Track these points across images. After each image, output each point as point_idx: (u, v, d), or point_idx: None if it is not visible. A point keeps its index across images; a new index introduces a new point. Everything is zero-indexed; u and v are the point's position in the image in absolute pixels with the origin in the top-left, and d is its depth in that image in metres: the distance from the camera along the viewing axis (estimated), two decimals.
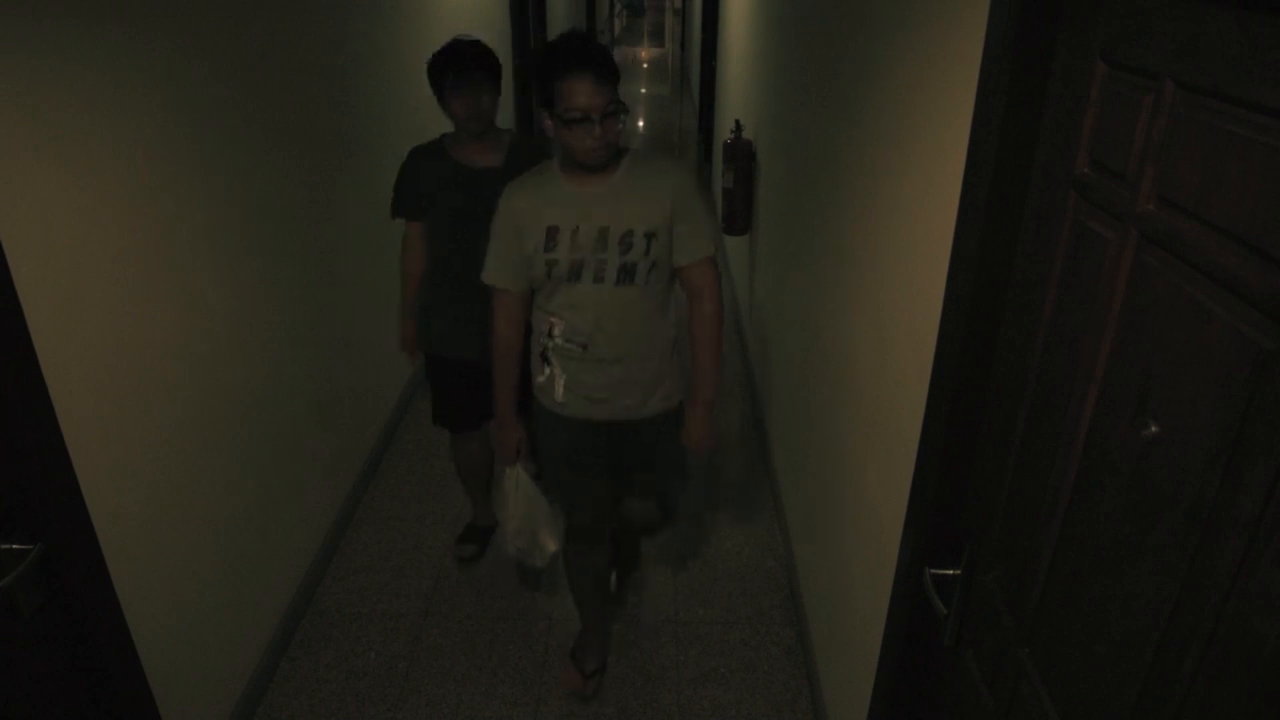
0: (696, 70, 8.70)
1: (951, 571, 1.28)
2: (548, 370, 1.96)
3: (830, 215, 2.25)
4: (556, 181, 1.83)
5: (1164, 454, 0.81)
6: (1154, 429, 0.83)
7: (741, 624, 2.57)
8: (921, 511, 1.38)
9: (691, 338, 1.97)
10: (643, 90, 12.10)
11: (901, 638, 1.48)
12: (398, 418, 3.58)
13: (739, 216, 4.16)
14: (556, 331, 1.90)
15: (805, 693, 2.35)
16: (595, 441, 2.05)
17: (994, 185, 1.10)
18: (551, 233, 1.81)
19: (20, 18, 1.41)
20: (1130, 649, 0.86)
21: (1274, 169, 0.68)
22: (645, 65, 14.65)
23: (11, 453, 1.36)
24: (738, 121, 4.32)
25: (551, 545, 2.15)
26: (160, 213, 1.84)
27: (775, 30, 3.53)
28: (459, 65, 2.18)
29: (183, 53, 1.91)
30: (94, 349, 1.61)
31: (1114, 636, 0.90)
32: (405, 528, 2.99)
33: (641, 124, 9.83)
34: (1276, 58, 0.67)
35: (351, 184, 3.02)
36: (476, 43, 2.25)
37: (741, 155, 4.10)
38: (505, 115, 6.46)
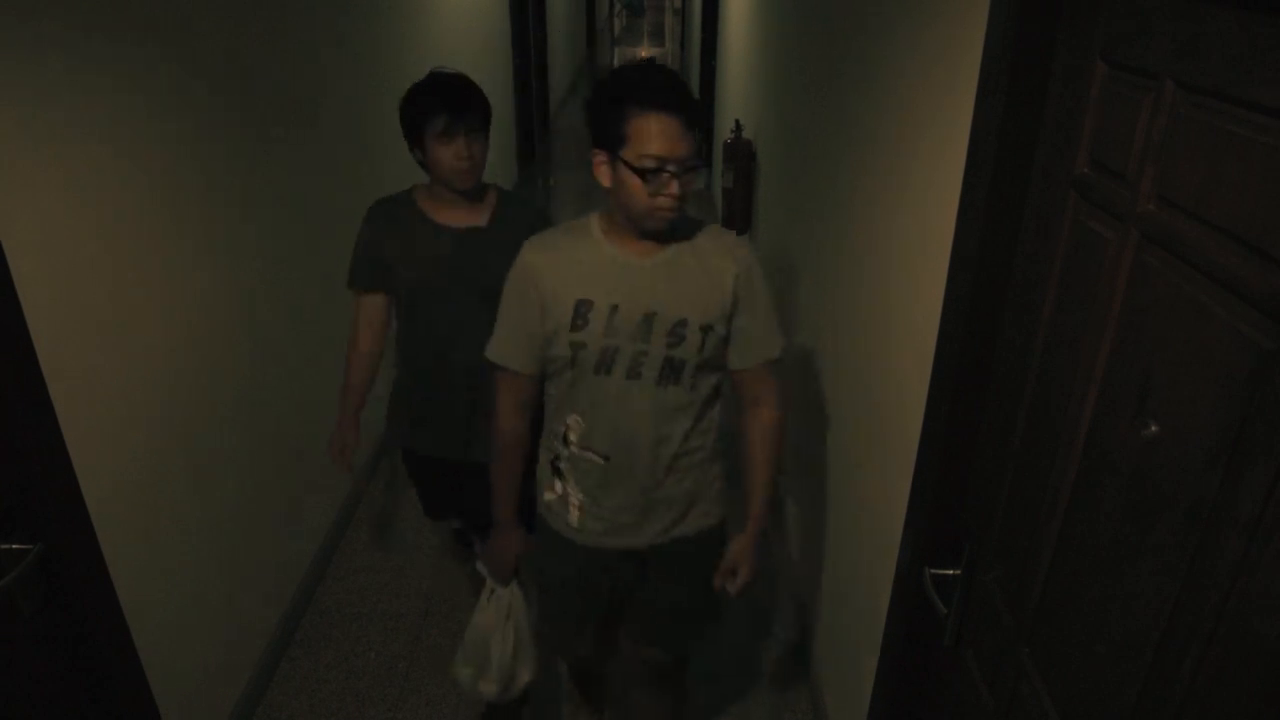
0: (696, 70, 8.70)
1: (951, 571, 1.28)
2: (560, 486, 1.59)
3: (830, 215, 2.25)
4: (595, 244, 1.46)
5: (1164, 454, 0.81)
6: (1154, 429, 0.83)
7: (741, 624, 2.57)
8: (921, 511, 1.38)
9: (748, 453, 1.62)
10: None
11: (901, 638, 1.49)
12: None
13: (738, 216, 4.17)
14: (573, 437, 1.53)
15: (805, 693, 2.35)
16: (612, 575, 1.66)
17: (994, 185, 1.10)
18: (582, 308, 1.44)
19: (20, 18, 1.41)
20: (1130, 649, 0.87)
21: (1274, 169, 0.68)
22: None
23: (11, 453, 1.36)
24: (738, 121, 4.32)
25: (527, 677, 1.83)
26: (160, 213, 1.84)
27: (775, 30, 3.53)
28: (450, 108, 1.76)
29: (182, 53, 1.91)
30: (94, 349, 1.61)
31: (1114, 636, 0.90)
32: (405, 527, 2.99)
33: None
34: (1276, 58, 0.67)
35: (352, 184, 3.01)
36: (464, 78, 1.85)
37: (741, 155, 4.10)
38: (504, 118, 6.46)
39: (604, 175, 1.40)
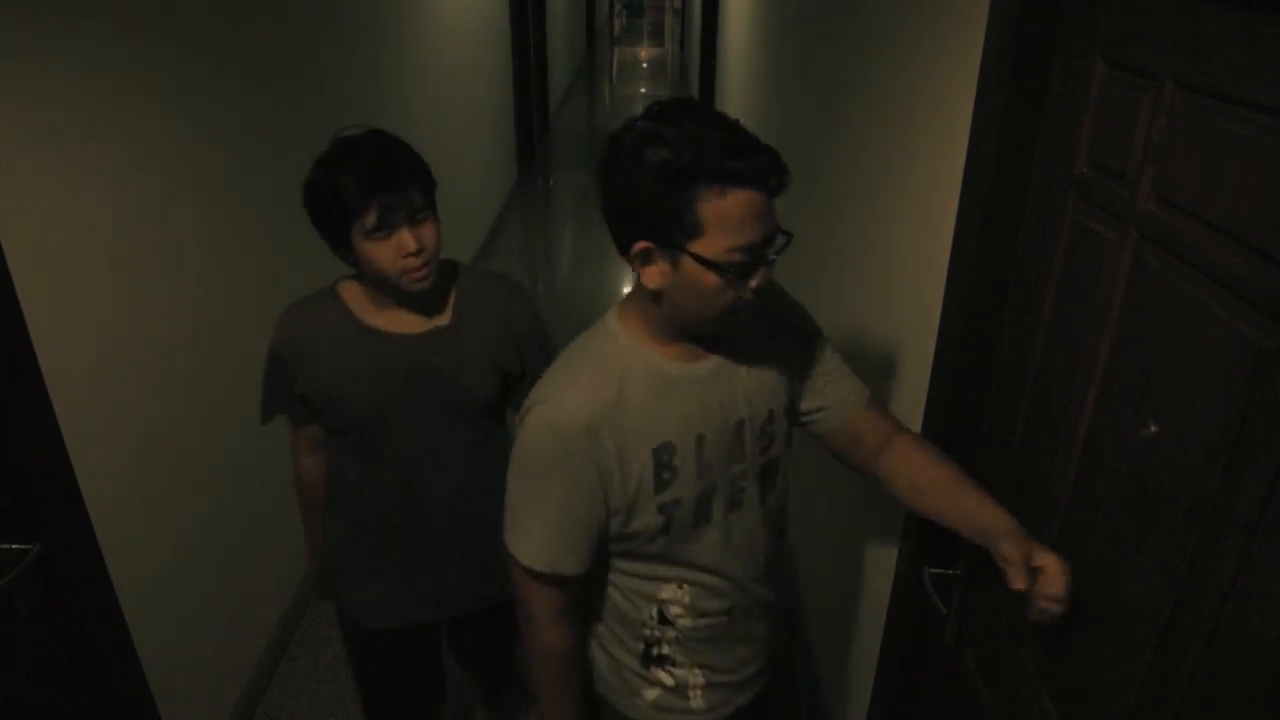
0: (696, 70, 8.70)
1: (951, 571, 1.28)
2: (670, 677, 1.22)
3: (829, 215, 2.25)
4: (648, 367, 1.08)
5: (1164, 454, 0.82)
6: (1154, 429, 0.83)
7: None
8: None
9: (941, 489, 1.17)
10: (642, 90, 12.10)
11: (901, 638, 1.49)
12: None
13: None
14: (678, 610, 1.17)
15: (804, 693, 2.35)
16: None
17: (994, 185, 1.10)
18: (664, 456, 1.08)
19: (20, 19, 1.41)
20: (1130, 649, 0.87)
21: (1274, 169, 0.68)
22: (645, 65, 14.65)
23: (11, 453, 1.36)
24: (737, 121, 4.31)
25: None
26: (160, 213, 1.84)
27: (775, 30, 3.53)
28: (379, 189, 1.26)
29: (182, 53, 1.91)
30: (94, 349, 1.61)
31: (1114, 636, 0.90)
32: None
33: None
34: (1277, 58, 0.67)
35: None
36: (388, 138, 1.35)
37: None
38: (504, 118, 6.45)
39: (657, 276, 1.00)
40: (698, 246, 0.96)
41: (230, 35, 2.13)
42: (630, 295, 1.12)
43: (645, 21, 21.55)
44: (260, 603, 2.34)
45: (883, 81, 1.73)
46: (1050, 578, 0.95)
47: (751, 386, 1.14)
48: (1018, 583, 0.97)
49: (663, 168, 0.93)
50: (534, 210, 6.70)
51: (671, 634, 1.19)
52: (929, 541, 1.34)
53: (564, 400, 1.05)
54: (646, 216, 0.97)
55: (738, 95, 5.14)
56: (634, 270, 1.02)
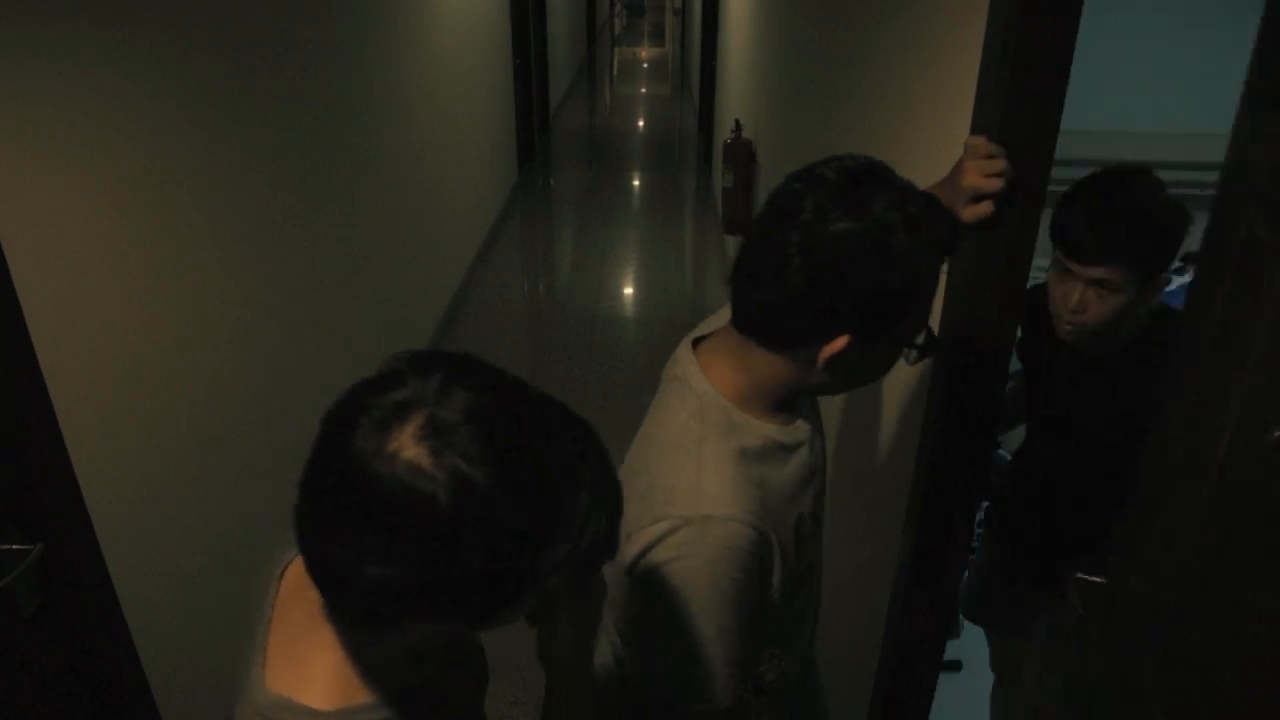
0: (696, 70, 8.70)
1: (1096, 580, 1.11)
2: None
3: None
4: (769, 436, 0.96)
5: None
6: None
7: None
8: (922, 510, 1.37)
9: None
10: (643, 90, 12.10)
11: (901, 636, 1.48)
12: None
13: (739, 216, 4.17)
14: (772, 676, 1.09)
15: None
16: None
17: None
18: (801, 528, 1.01)
19: (20, 20, 1.41)
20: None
21: None
22: (645, 65, 14.65)
23: (11, 453, 1.36)
24: (737, 121, 4.32)
25: None
26: (161, 213, 1.84)
27: (775, 30, 3.53)
28: None
29: (183, 53, 1.91)
30: (94, 349, 1.61)
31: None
32: None
33: (642, 124, 9.83)
34: None
35: (354, 185, 3.02)
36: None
37: (741, 155, 4.10)
38: (505, 118, 6.45)
39: (836, 350, 0.88)
40: (901, 333, 0.90)
41: (231, 36, 2.13)
42: (722, 361, 0.96)
43: (645, 21, 21.55)
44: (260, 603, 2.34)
45: (882, 81, 1.73)
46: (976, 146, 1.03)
47: (821, 436, 1.08)
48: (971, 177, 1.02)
49: (941, 245, 0.86)
50: (534, 210, 6.70)
51: (765, 700, 1.09)
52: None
53: (722, 505, 0.88)
54: (907, 302, 0.87)
55: (738, 95, 5.14)
56: (805, 351, 0.89)
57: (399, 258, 3.66)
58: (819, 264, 0.84)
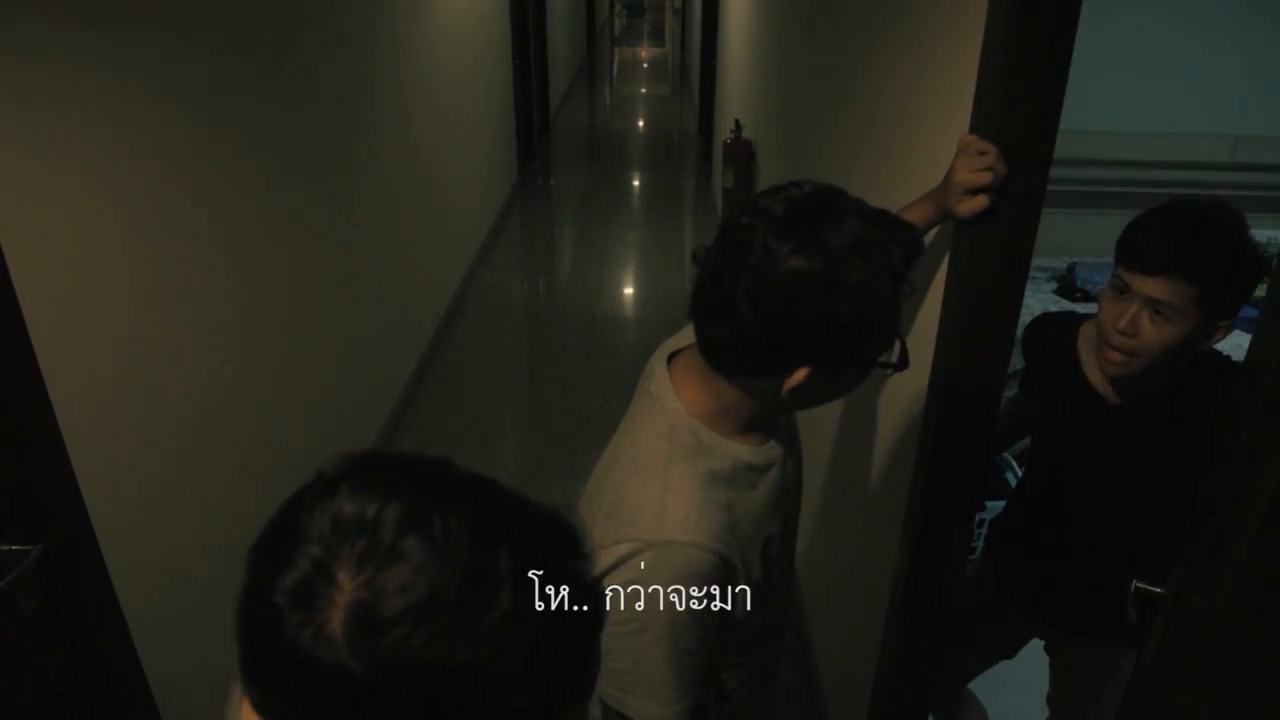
0: (696, 70, 8.71)
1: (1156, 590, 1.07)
2: None
3: None
4: (741, 458, 0.96)
5: None
6: None
7: None
8: (921, 509, 1.37)
9: None
10: (643, 90, 12.10)
11: (902, 636, 1.48)
12: (397, 419, 3.58)
13: None
14: (733, 686, 1.11)
15: (806, 692, 2.35)
16: None
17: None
18: (770, 551, 1.02)
19: (21, 20, 1.41)
20: None
21: None
22: (645, 65, 14.66)
23: (11, 453, 1.36)
24: (737, 121, 4.32)
25: None
26: (161, 213, 1.84)
27: (775, 30, 3.53)
28: None
29: (184, 55, 1.91)
30: (94, 349, 1.61)
31: None
32: None
33: (642, 124, 9.83)
34: None
35: (354, 185, 3.02)
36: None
37: (741, 155, 4.10)
38: (504, 118, 6.45)
39: (801, 378, 0.88)
40: (862, 355, 0.89)
41: (231, 36, 2.13)
42: (693, 382, 0.96)
43: (645, 21, 21.55)
44: None
45: (882, 81, 1.73)
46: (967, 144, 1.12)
47: (798, 457, 1.09)
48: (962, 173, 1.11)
49: (895, 270, 0.83)
50: (534, 210, 6.70)
51: (726, 708, 1.10)
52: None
53: (685, 530, 0.87)
54: (866, 331, 0.85)
55: (738, 95, 5.14)
56: (768, 381, 0.89)
57: (399, 258, 3.66)
58: (769, 310, 0.83)
